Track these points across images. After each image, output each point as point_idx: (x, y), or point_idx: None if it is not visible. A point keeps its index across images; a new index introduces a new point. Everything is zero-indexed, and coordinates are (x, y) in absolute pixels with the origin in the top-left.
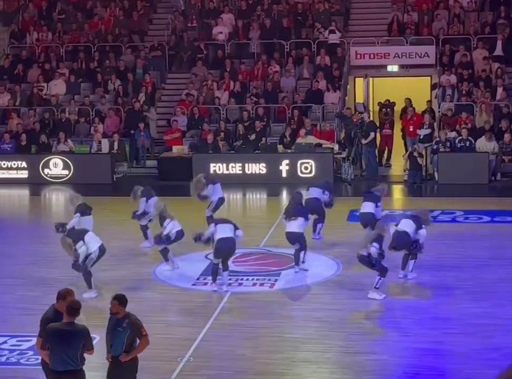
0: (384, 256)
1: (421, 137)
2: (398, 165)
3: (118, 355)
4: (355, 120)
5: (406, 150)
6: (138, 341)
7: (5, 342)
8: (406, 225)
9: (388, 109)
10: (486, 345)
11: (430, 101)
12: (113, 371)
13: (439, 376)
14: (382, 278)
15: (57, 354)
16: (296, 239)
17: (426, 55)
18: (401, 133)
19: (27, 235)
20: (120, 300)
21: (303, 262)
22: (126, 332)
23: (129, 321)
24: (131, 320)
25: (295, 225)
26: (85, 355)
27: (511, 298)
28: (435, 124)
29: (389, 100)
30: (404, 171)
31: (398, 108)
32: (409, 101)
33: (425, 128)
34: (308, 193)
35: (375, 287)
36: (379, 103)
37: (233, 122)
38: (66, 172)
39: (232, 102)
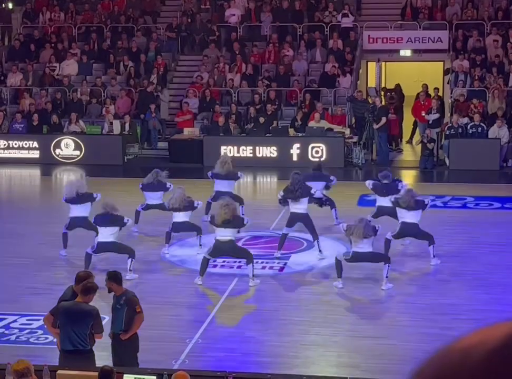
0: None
1: (430, 122)
2: (408, 149)
3: (119, 331)
4: (370, 101)
5: (411, 137)
6: None
7: (15, 321)
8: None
9: (393, 93)
10: None
11: (437, 89)
12: (115, 348)
13: None
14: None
15: (66, 332)
16: (301, 219)
17: (439, 39)
18: (414, 119)
19: (38, 215)
20: (110, 276)
21: (320, 251)
22: (124, 309)
23: (126, 298)
24: (128, 297)
25: (299, 206)
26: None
27: None
28: (447, 110)
29: (387, 89)
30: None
31: (412, 93)
32: (425, 86)
33: (434, 113)
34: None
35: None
36: (383, 88)
37: (245, 105)
38: (77, 152)
39: (244, 85)
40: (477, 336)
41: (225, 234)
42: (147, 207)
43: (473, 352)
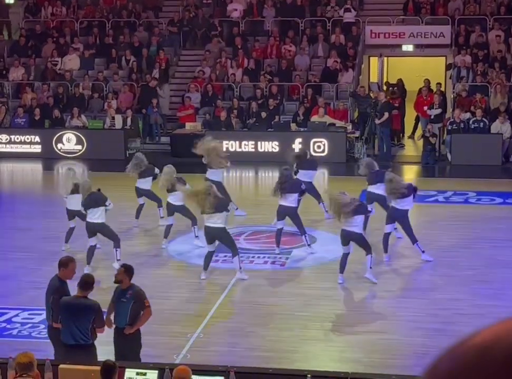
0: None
1: (432, 117)
2: (410, 145)
3: (123, 326)
4: (373, 96)
5: (413, 132)
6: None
7: (17, 315)
8: None
9: (395, 88)
10: None
11: (439, 84)
12: (118, 343)
13: None
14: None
15: (68, 327)
16: (288, 213)
17: (441, 35)
18: (416, 114)
19: (40, 209)
20: (126, 268)
21: (308, 245)
22: (130, 303)
23: (132, 292)
24: (135, 291)
25: (288, 200)
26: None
27: None
28: (449, 105)
29: (389, 84)
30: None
31: (414, 88)
32: (428, 81)
33: (436, 108)
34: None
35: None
36: (386, 82)
37: (246, 100)
38: (79, 147)
39: (246, 80)
40: (493, 330)
41: (212, 220)
42: (138, 191)
43: (493, 347)
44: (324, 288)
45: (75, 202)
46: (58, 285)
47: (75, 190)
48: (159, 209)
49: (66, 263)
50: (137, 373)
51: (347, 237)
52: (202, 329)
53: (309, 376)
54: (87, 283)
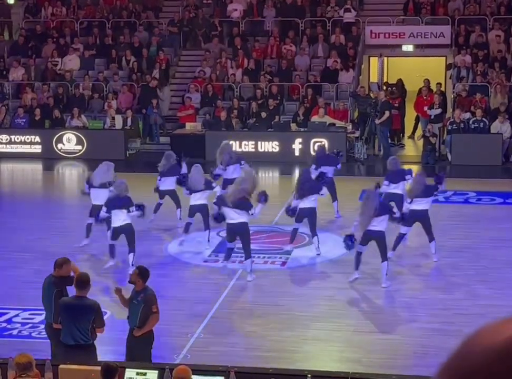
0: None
1: (432, 117)
2: (410, 145)
3: (133, 327)
4: (373, 96)
5: (413, 132)
6: None
7: (17, 315)
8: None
9: (394, 88)
10: None
11: (439, 84)
12: (129, 343)
13: None
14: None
15: (68, 327)
16: (308, 214)
17: (441, 35)
18: (416, 114)
19: (40, 209)
20: (140, 271)
21: (318, 247)
22: (140, 306)
23: (144, 296)
24: (146, 295)
25: (308, 201)
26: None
27: None
28: (449, 105)
29: (389, 84)
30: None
31: (414, 88)
32: (427, 81)
33: (436, 108)
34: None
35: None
36: (385, 83)
37: (247, 100)
38: (79, 147)
39: (246, 80)
40: (502, 329)
41: (234, 217)
42: (162, 193)
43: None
44: (324, 288)
45: (96, 197)
46: (56, 280)
47: (102, 184)
48: (178, 210)
49: (61, 265)
50: (137, 373)
51: (368, 236)
52: (202, 329)
53: (309, 376)
54: (83, 282)
